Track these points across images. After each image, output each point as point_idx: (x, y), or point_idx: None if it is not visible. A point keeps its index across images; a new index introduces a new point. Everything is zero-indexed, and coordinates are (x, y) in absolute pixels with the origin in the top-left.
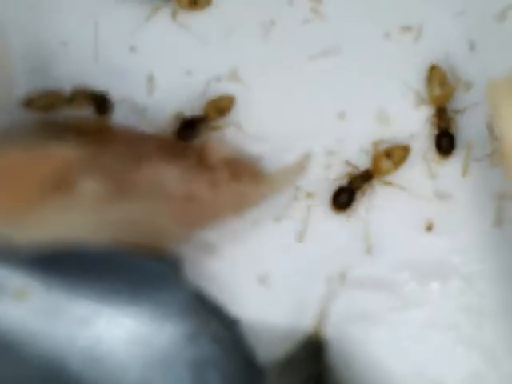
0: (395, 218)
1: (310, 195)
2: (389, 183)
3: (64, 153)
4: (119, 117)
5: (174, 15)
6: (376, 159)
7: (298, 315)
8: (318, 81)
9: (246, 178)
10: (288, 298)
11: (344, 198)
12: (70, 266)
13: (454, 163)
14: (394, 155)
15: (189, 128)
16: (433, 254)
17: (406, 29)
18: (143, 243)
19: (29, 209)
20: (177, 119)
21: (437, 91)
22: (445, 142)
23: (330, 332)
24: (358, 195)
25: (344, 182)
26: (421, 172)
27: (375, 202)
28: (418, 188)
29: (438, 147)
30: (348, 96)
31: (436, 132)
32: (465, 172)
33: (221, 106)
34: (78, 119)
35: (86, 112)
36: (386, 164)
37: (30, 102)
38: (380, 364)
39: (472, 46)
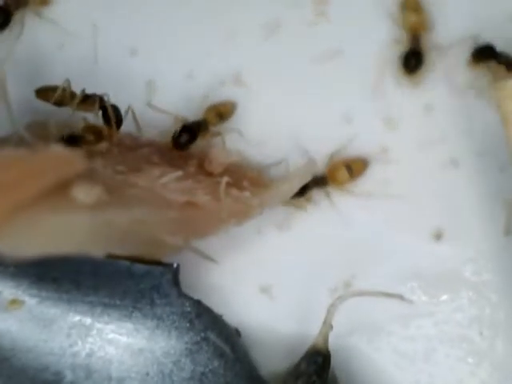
0: (403, 226)
1: (314, 202)
2: (347, 191)
3: (71, 157)
4: None
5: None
6: (334, 168)
7: (301, 326)
8: (322, 84)
9: (247, 185)
10: (291, 308)
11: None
12: (63, 276)
13: (463, 171)
14: (352, 167)
15: (186, 136)
16: (442, 264)
17: None
18: (140, 252)
19: (19, 212)
20: (175, 125)
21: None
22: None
23: (335, 343)
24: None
25: None
26: (429, 179)
27: (382, 209)
28: (426, 195)
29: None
30: (354, 100)
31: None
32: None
33: (222, 112)
34: (77, 123)
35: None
36: (343, 174)
37: (43, 92)
38: (386, 376)
39: None
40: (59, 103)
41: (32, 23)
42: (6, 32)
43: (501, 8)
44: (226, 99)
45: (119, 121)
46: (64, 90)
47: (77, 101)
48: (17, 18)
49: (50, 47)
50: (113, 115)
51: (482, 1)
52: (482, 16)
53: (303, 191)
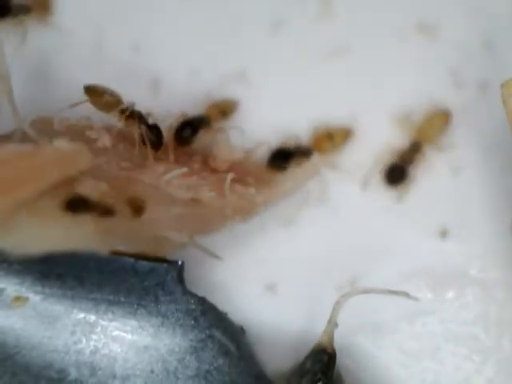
0: (408, 224)
1: (320, 199)
2: (332, 165)
3: (76, 154)
4: None
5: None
6: (317, 137)
7: (306, 323)
8: (328, 82)
9: (252, 182)
10: (297, 305)
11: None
12: (68, 273)
13: (470, 168)
14: (334, 136)
15: (188, 130)
16: (447, 261)
17: (421, 28)
18: (145, 249)
19: (22, 208)
20: (177, 121)
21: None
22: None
23: (340, 341)
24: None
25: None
26: (435, 175)
27: (388, 207)
28: (432, 191)
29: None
30: (360, 97)
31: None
32: None
33: (223, 109)
34: (80, 121)
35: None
36: (326, 143)
37: (90, 91)
38: (391, 375)
39: (488, 46)
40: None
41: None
42: (11, 32)
43: None
44: (228, 97)
45: (160, 140)
46: (109, 94)
47: (113, 109)
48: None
49: (54, 44)
50: (152, 137)
51: None
52: None
53: (287, 160)
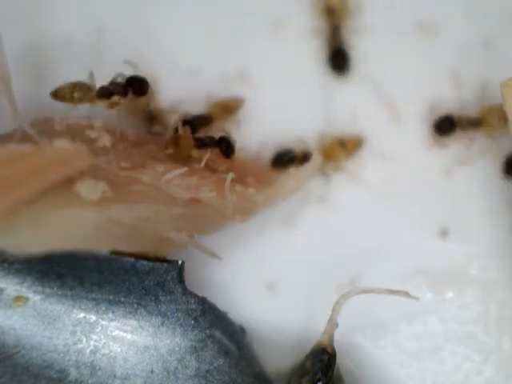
0: (409, 224)
1: (320, 199)
2: (340, 169)
3: (76, 154)
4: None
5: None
6: (328, 146)
7: (306, 323)
8: (328, 81)
9: (252, 182)
10: (297, 305)
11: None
12: (68, 273)
13: (470, 168)
14: (346, 144)
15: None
16: (448, 261)
17: (421, 28)
18: (145, 249)
19: (23, 208)
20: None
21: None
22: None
23: (340, 341)
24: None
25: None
26: (436, 177)
27: (389, 207)
28: (431, 191)
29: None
30: (360, 98)
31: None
32: None
33: (228, 107)
34: (80, 121)
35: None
36: (337, 151)
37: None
38: (391, 374)
39: (488, 46)
40: None
41: (35, 19)
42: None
43: None
44: (234, 95)
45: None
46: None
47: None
48: None
49: (55, 45)
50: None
51: None
52: None
53: (288, 165)
